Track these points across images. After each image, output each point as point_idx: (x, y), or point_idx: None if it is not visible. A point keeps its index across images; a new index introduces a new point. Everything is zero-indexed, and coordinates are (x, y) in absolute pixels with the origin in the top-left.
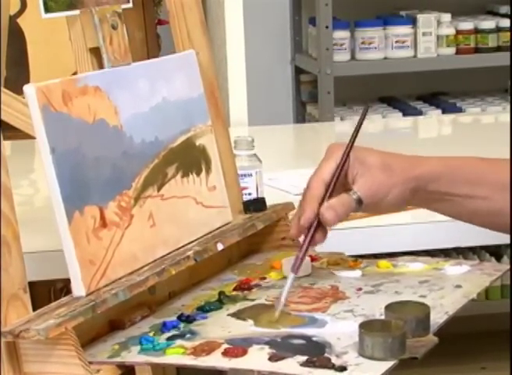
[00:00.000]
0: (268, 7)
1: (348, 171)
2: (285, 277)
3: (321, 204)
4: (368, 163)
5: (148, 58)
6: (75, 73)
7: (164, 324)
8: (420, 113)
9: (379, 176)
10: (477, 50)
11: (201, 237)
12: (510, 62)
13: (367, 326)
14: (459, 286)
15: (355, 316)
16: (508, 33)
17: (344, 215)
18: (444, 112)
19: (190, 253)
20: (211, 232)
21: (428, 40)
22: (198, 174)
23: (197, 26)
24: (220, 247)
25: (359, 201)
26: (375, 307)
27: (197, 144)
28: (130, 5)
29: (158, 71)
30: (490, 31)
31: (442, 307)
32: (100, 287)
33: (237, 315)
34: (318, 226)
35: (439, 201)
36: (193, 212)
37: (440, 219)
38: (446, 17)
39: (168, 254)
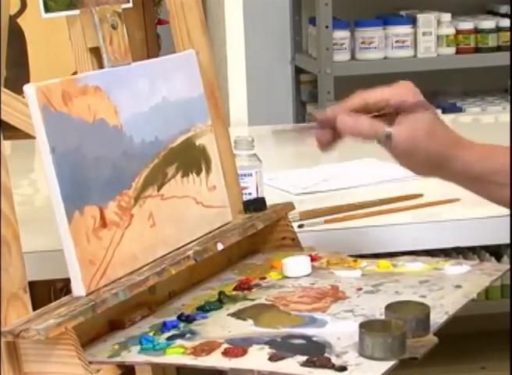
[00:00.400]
0: (268, 7)
1: (400, 112)
2: (285, 277)
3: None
4: (420, 119)
5: (148, 58)
6: (75, 73)
7: (164, 324)
8: None
9: (423, 139)
10: (477, 50)
11: (201, 236)
12: (510, 62)
13: (367, 326)
14: (459, 286)
15: (355, 315)
16: (508, 33)
17: (363, 133)
18: (444, 111)
19: (190, 253)
20: (211, 232)
21: (428, 40)
22: (198, 174)
23: (197, 26)
24: (220, 247)
25: (388, 137)
26: (375, 307)
27: (197, 144)
28: (130, 4)
29: (158, 71)
30: (490, 31)
31: (442, 307)
32: (100, 286)
33: (237, 315)
34: (332, 129)
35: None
36: (193, 211)
37: (440, 219)
38: (446, 17)
39: (168, 254)
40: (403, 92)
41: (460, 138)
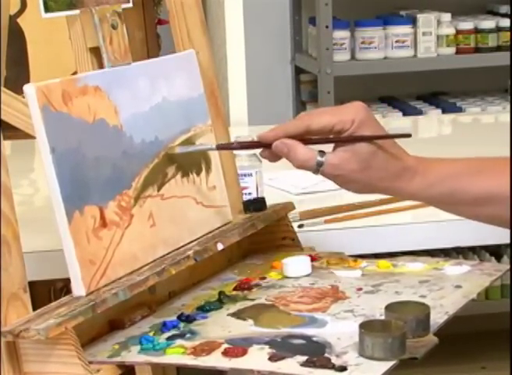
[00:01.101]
0: (268, 7)
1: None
2: (285, 277)
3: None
4: (357, 150)
5: (148, 58)
6: (75, 73)
7: (164, 324)
8: (420, 113)
9: (354, 171)
10: (477, 50)
11: (201, 236)
12: (510, 62)
13: (367, 326)
14: (459, 286)
15: (355, 316)
16: (508, 33)
17: (295, 162)
18: (444, 111)
19: (190, 253)
20: (211, 232)
21: (428, 40)
22: (198, 174)
23: (197, 25)
24: (220, 247)
25: (319, 165)
26: (375, 307)
27: (197, 143)
28: (130, 4)
29: (158, 71)
30: (490, 31)
31: (442, 307)
32: (100, 286)
33: (237, 314)
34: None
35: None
36: (193, 211)
37: (440, 219)
38: (446, 17)
39: (168, 254)
40: (349, 119)
41: (403, 169)
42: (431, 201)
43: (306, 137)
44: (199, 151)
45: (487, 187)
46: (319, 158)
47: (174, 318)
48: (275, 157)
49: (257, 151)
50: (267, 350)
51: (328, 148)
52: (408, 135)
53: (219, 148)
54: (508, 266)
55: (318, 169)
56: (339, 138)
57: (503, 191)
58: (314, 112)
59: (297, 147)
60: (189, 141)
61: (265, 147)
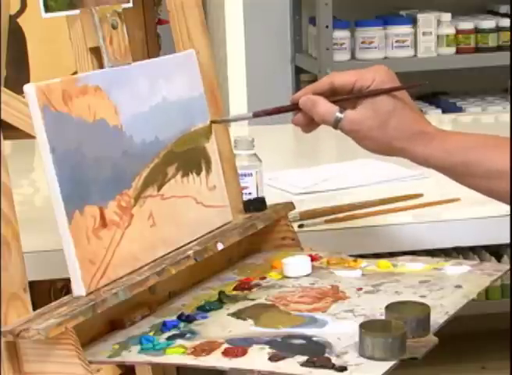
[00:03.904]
0: (268, 7)
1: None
2: (285, 277)
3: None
4: (376, 106)
5: (148, 58)
6: (75, 73)
7: (164, 324)
8: None
9: (371, 128)
10: (477, 50)
11: (201, 236)
12: (510, 62)
13: (367, 326)
14: (459, 286)
15: (355, 316)
16: (508, 33)
17: (317, 116)
18: (444, 111)
19: (190, 253)
20: (211, 232)
21: (428, 39)
22: (198, 174)
23: (197, 25)
24: (220, 246)
25: (338, 121)
26: (375, 307)
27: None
28: (130, 4)
29: (158, 71)
30: (490, 31)
31: (442, 307)
32: (100, 286)
33: (237, 314)
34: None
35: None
36: (193, 211)
37: (440, 219)
38: (446, 17)
39: (168, 253)
40: (370, 77)
41: (421, 132)
42: (444, 168)
43: (332, 98)
44: (239, 120)
45: (502, 161)
46: (338, 114)
47: (174, 318)
48: (305, 120)
49: (257, 151)
50: (267, 350)
51: None
52: (424, 83)
53: (256, 115)
54: (508, 266)
55: (337, 123)
56: (358, 94)
57: None
58: (339, 72)
59: (320, 101)
60: (189, 141)
61: (297, 108)
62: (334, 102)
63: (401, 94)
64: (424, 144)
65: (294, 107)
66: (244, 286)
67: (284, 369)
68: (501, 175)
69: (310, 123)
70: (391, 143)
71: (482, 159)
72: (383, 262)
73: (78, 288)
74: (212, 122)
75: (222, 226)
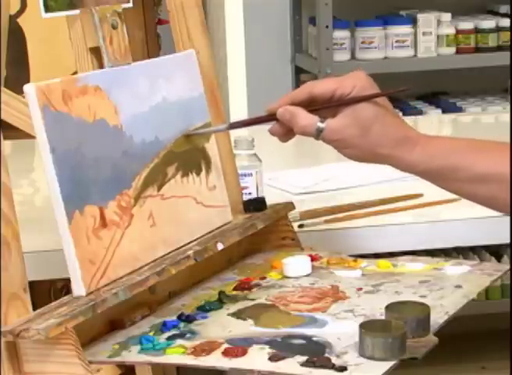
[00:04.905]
0: (268, 7)
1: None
2: (285, 277)
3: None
4: (357, 114)
5: (148, 58)
6: (75, 73)
7: (164, 324)
8: (420, 113)
9: (353, 136)
10: (477, 50)
11: (201, 236)
12: (510, 62)
13: (367, 326)
14: (459, 286)
15: (355, 316)
16: (508, 33)
17: (297, 128)
18: (444, 111)
19: (190, 253)
20: (211, 232)
21: (428, 39)
22: (198, 174)
23: (197, 25)
24: (220, 246)
25: (319, 131)
26: (375, 307)
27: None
28: (130, 4)
29: (158, 71)
30: (490, 31)
31: (442, 307)
32: (100, 286)
33: (237, 314)
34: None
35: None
36: (193, 211)
37: (440, 219)
38: (446, 17)
39: (168, 253)
40: (350, 84)
41: (404, 138)
42: (429, 174)
43: (310, 107)
44: (213, 132)
45: (487, 165)
46: (320, 124)
47: (174, 318)
48: (283, 130)
49: (257, 151)
50: (267, 350)
51: None
52: (407, 89)
53: (232, 126)
54: (508, 266)
55: (318, 134)
56: (339, 102)
57: (502, 172)
58: (318, 80)
59: (299, 113)
60: (189, 140)
61: (274, 119)
62: (313, 111)
63: (382, 100)
64: (407, 151)
65: (271, 117)
66: (244, 286)
67: (284, 369)
68: (487, 178)
69: (287, 133)
70: (375, 150)
71: (468, 163)
72: (383, 262)
73: (78, 288)
74: (185, 135)
75: (222, 226)
